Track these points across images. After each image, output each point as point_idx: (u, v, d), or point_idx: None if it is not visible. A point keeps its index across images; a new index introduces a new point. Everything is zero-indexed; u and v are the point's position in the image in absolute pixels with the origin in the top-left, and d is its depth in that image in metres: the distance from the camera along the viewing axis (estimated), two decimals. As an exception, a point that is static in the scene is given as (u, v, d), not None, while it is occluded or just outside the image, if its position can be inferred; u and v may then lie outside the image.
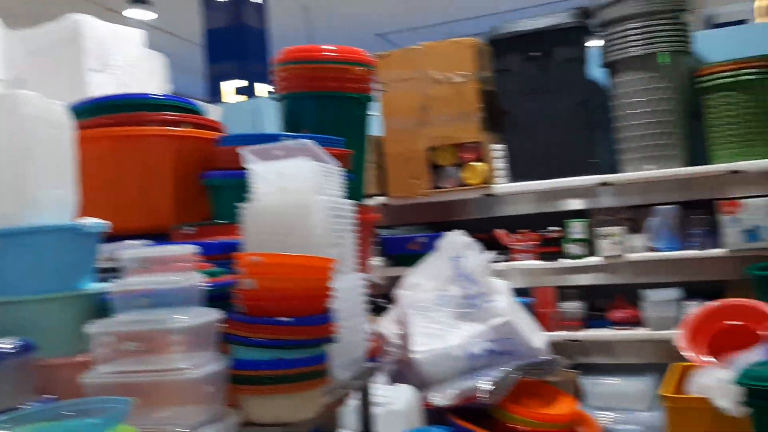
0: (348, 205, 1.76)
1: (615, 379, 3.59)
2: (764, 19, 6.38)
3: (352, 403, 1.82)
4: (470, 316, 2.58)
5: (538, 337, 2.65)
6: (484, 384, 2.23)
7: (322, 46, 2.62)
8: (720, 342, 2.24)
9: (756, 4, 8.05)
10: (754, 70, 3.28)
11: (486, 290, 2.64)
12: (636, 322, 3.54)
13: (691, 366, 2.19)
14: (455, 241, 2.75)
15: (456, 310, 2.59)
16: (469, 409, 2.24)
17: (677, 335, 2.35)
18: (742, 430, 1.79)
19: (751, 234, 3.23)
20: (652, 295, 3.49)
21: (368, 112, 2.74)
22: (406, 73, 3.77)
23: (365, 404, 1.73)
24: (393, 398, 2.10)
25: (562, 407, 2.32)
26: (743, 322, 2.12)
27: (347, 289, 1.64)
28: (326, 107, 2.59)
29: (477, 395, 2.21)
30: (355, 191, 2.41)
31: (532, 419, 2.18)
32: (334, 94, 2.54)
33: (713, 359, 2.13)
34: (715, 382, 1.90)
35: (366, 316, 1.77)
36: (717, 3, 10.04)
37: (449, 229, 2.73)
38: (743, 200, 3.27)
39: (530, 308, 3.70)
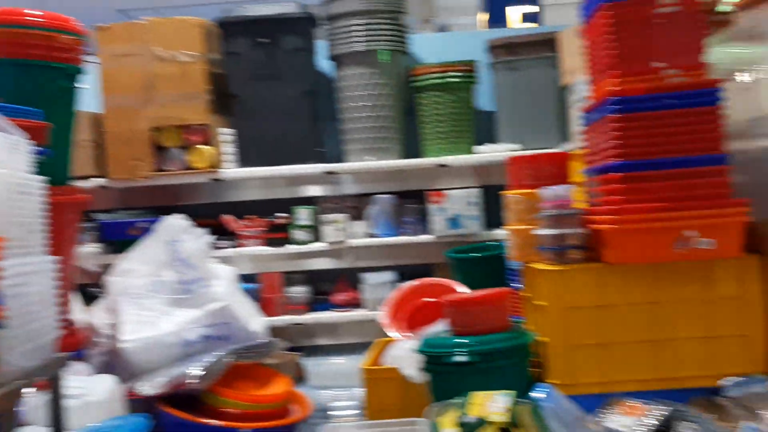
0: (36, 182, 1.61)
1: (338, 359, 3.74)
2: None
3: (41, 395, 1.67)
4: (186, 302, 2.52)
5: (256, 321, 2.68)
6: (193, 370, 2.20)
7: (26, 10, 2.40)
8: (417, 317, 2.45)
9: (479, 16, 8.96)
10: (458, 74, 3.63)
11: (204, 275, 2.60)
12: (356, 304, 3.75)
13: (392, 341, 2.37)
14: (172, 225, 2.67)
15: (171, 296, 2.52)
16: (182, 396, 2.20)
17: (380, 313, 2.53)
18: (426, 395, 1.97)
19: (453, 222, 3.59)
20: (371, 278, 3.72)
21: (77, 85, 2.55)
22: (129, 48, 3.56)
23: (55, 396, 1.60)
24: (90, 389, 1.98)
25: (276, 388, 2.37)
26: (437, 298, 2.34)
27: (30, 273, 1.50)
28: (28, 76, 2.38)
29: (186, 381, 2.18)
30: (55, 169, 2.22)
31: (244, 401, 2.20)
32: (38, 62, 2.36)
33: (410, 333, 2.32)
34: (404, 352, 2.08)
35: (56, 302, 1.64)
36: (450, 14, 10.99)
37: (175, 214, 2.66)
38: (448, 191, 3.62)
39: (256, 294, 3.74)
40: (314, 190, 3.85)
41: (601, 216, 1.85)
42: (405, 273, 3.70)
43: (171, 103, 3.56)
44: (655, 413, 1.68)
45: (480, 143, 3.75)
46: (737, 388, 1.78)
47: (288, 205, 3.77)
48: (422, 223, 3.72)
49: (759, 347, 1.89)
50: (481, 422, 1.50)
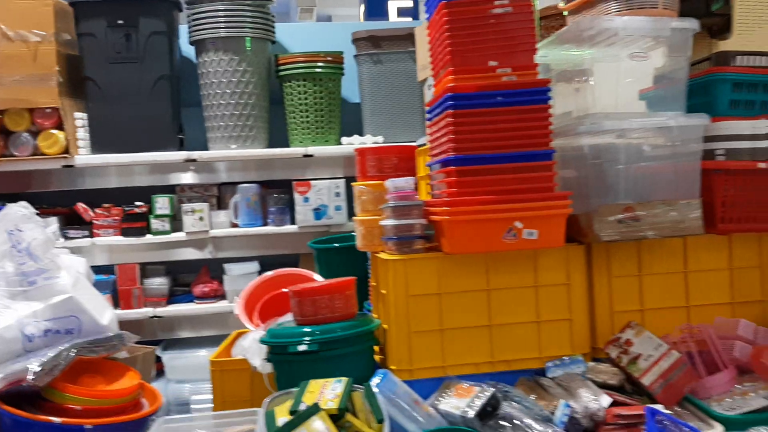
0: None
1: (199, 351, 3.67)
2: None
3: None
4: (28, 294, 2.39)
5: (106, 314, 2.58)
6: (32, 365, 2.10)
7: None
8: (272, 308, 2.45)
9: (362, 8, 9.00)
10: (322, 64, 3.65)
11: (48, 267, 2.47)
12: (219, 296, 3.69)
13: (245, 332, 2.36)
14: (13, 213, 2.51)
15: (10, 288, 2.38)
16: (27, 393, 2.09)
17: (236, 304, 2.51)
18: (273, 385, 1.98)
19: (318, 212, 3.61)
20: (233, 269, 3.67)
21: None
22: (-30, 24, 3.32)
23: None
24: None
25: (124, 383, 2.30)
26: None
27: None
28: None
29: (26, 377, 2.07)
30: None
31: (87, 397, 2.11)
32: None
33: (262, 324, 2.32)
34: (251, 343, 2.08)
35: None
36: (329, 4, 10.97)
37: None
38: (313, 182, 3.63)
39: (112, 286, 3.60)
40: (174, 179, 3.76)
41: (439, 207, 1.92)
42: (269, 264, 3.69)
43: (18, 84, 3.35)
44: (482, 394, 1.77)
45: (348, 135, 3.79)
46: (558, 368, 1.91)
47: (147, 193, 3.65)
48: (287, 213, 3.71)
49: (582, 330, 2.03)
50: (313, 409, 1.53)
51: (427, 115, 2.14)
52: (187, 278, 3.84)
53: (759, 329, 2.00)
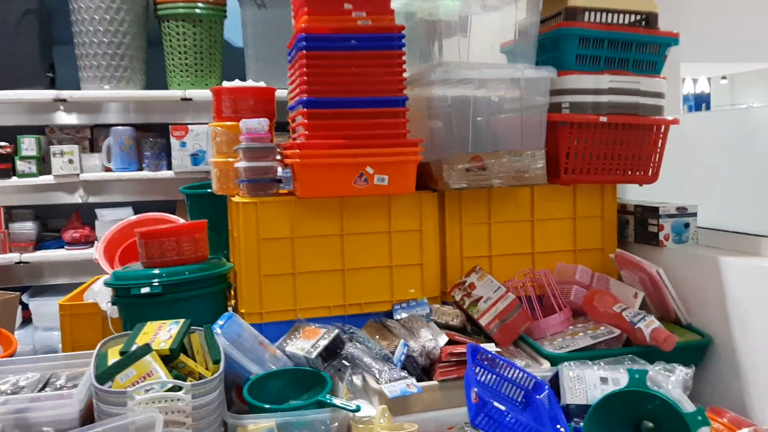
0: None
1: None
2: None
3: None
4: None
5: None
6: None
7: None
8: (134, 253, 2.39)
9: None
10: (202, 5, 3.51)
11: None
12: (89, 242, 3.57)
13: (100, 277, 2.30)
14: None
15: None
16: None
17: (96, 249, 2.44)
18: (118, 329, 1.95)
19: (195, 158, 3.53)
20: (106, 215, 3.55)
21: None
22: None
23: None
24: None
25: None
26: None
27: None
28: None
29: None
30: None
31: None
32: None
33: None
34: (101, 287, 2.03)
35: None
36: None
37: None
38: (191, 126, 3.53)
39: (-28, 230, 3.41)
40: (45, 119, 3.56)
41: (292, 150, 1.91)
42: (144, 210, 3.57)
43: None
44: (327, 336, 1.81)
45: (230, 80, 3.67)
46: (404, 310, 1.97)
47: (12, 133, 3.45)
48: (164, 158, 3.60)
49: (433, 275, 2.10)
50: (144, 350, 1.51)
51: (288, 57, 2.12)
52: (57, 223, 3.68)
53: (596, 275, 2.12)
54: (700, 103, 10.08)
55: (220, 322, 1.79)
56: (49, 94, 3.40)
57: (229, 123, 2.10)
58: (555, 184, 2.14)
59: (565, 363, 1.69)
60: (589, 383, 1.60)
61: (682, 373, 1.62)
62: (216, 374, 1.54)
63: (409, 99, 1.95)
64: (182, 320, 1.69)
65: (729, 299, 1.87)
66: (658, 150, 2.15)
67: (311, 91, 1.88)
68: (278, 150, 2.02)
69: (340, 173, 1.90)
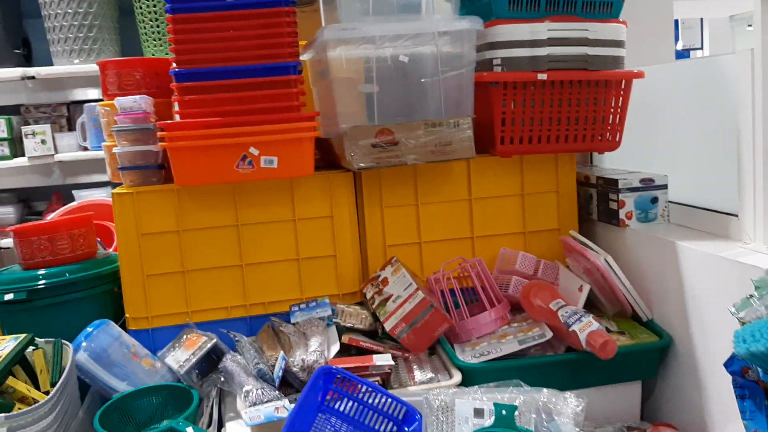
0: None
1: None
2: None
3: None
4: None
5: None
6: None
7: None
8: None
9: None
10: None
11: None
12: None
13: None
14: None
15: None
16: None
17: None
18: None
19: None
20: (84, 196, 3.41)
21: None
22: None
23: None
24: None
25: None
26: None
27: None
28: None
29: None
30: None
31: None
32: None
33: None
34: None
35: None
36: None
37: None
38: (164, 98, 3.33)
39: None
40: (17, 98, 3.44)
41: (166, 132, 1.65)
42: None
43: None
44: (204, 347, 1.57)
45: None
46: (303, 312, 1.70)
47: (-16, 115, 3.35)
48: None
49: (351, 268, 1.81)
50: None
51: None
52: (41, 206, 3.59)
53: (542, 262, 1.78)
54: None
55: (89, 329, 1.59)
56: (16, 71, 3.26)
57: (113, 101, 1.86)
58: (494, 156, 1.80)
59: (434, 390, 1.37)
60: (459, 416, 1.28)
61: (572, 405, 1.28)
62: (44, 401, 1.33)
63: (300, 64, 1.64)
64: (24, 335, 1.49)
65: (687, 292, 1.51)
66: (619, 110, 1.76)
67: (180, 61, 1.60)
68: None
69: (218, 156, 1.63)
